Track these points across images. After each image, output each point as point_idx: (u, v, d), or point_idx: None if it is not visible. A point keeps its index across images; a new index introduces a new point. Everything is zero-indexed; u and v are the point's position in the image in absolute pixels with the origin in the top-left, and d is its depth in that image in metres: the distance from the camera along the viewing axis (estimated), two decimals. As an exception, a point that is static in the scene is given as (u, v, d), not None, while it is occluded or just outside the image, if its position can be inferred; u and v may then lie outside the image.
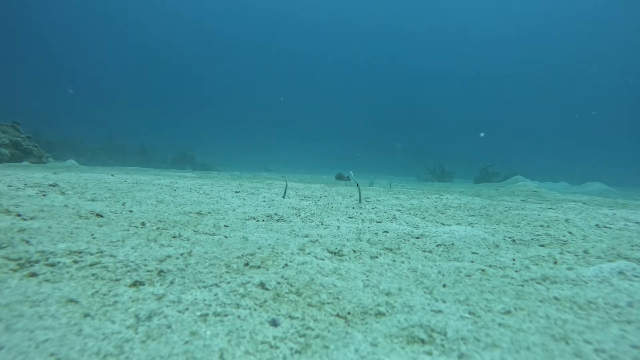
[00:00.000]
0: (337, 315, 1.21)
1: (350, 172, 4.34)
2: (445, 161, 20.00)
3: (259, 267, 1.62)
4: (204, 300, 1.25)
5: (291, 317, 1.17)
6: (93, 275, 1.41)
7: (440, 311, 1.25)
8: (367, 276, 1.60)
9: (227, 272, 1.52)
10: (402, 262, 1.84)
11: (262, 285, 1.40)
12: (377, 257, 1.91)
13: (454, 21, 68.89)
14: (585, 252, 2.07)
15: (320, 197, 4.43)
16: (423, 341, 1.06)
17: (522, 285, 1.55)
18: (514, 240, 2.36)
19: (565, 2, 63.49)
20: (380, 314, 1.23)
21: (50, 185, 3.55)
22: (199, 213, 2.85)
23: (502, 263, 1.86)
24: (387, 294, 1.39)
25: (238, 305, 1.22)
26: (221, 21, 75.66)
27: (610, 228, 2.77)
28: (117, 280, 1.39)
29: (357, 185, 4.11)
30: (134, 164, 18.55)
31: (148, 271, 1.48)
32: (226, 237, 2.15)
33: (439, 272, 1.70)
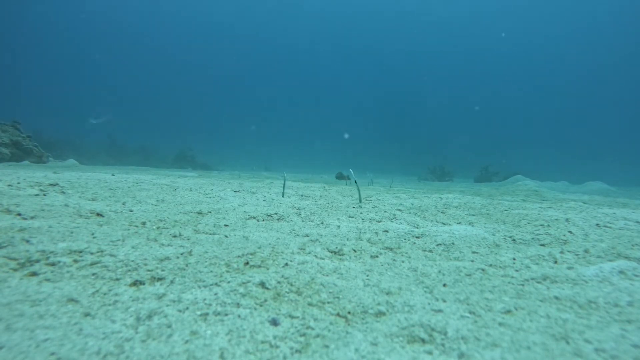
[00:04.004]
0: (338, 314, 1.21)
1: (350, 170, 4.21)
2: (446, 161, 19.98)
3: (259, 266, 1.62)
4: (204, 299, 1.25)
5: (291, 317, 1.17)
6: (93, 274, 1.41)
7: (440, 310, 1.25)
8: (367, 275, 1.60)
9: (228, 272, 1.52)
10: (403, 262, 1.84)
11: (262, 284, 1.40)
12: (377, 257, 1.91)
13: (454, 21, 68.90)
14: (586, 251, 2.07)
15: (321, 196, 4.43)
16: (423, 340, 1.06)
17: (523, 285, 1.55)
18: (514, 240, 2.36)
19: (566, 3, 63.46)
20: (380, 313, 1.23)
21: (51, 184, 3.56)
22: (199, 212, 2.85)
23: (503, 262, 1.86)
24: (387, 294, 1.39)
25: (238, 305, 1.22)
26: (222, 20, 75.70)
27: (610, 227, 2.77)
28: (118, 279, 1.39)
29: (356, 182, 4.07)
30: (134, 163, 18.55)
31: (148, 270, 1.48)
32: (226, 236, 2.15)
33: (439, 271, 1.70)
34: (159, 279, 1.41)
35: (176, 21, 72.88)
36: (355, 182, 4.00)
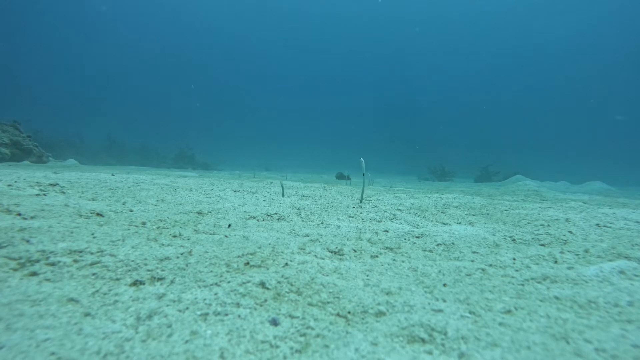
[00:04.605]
0: (338, 314, 1.21)
1: (362, 159, 3.89)
2: (446, 160, 19.99)
3: (259, 266, 1.62)
4: (205, 299, 1.25)
5: (291, 317, 1.17)
6: (93, 274, 1.41)
7: (440, 310, 1.25)
8: (367, 275, 1.60)
9: (228, 272, 1.52)
10: (403, 262, 1.84)
11: (262, 284, 1.40)
12: (377, 257, 1.91)
13: (454, 20, 68.87)
14: (586, 251, 2.07)
15: (321, 196, 4.44)
16: (423, 340, 1.06)
17: (523, 285, 1.55)
18: (514, 240, 2.36)
19: (565, 2, 63.41)
20: (380, 313, 1.23)
21: (51, 184, 3.56)
22: (199, 212, 2.85)
23: (503, 262, 1.86)
24: (387, 293, 1.39)
25: (238, 305, 1.22)
26: (221, 20, 75.70)
27: (610, 227, 2.77)
28: (118, 279, 1.39)
29: (364, 175, 3.94)
30: (134, 163, 18.56)
31: (148, 270, 1.48)
32: (226, 236, 2.15)
33: (440, 271, 1.70)
34: (159, 279, 1.41)
35: (176, 21, 72.90)
36: (364, 175, 3.93)
